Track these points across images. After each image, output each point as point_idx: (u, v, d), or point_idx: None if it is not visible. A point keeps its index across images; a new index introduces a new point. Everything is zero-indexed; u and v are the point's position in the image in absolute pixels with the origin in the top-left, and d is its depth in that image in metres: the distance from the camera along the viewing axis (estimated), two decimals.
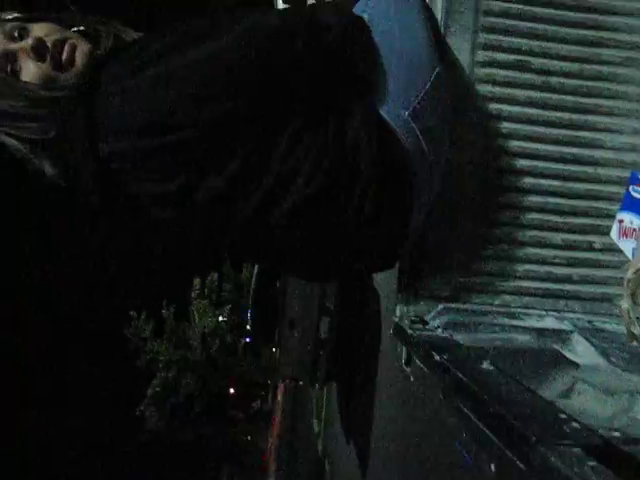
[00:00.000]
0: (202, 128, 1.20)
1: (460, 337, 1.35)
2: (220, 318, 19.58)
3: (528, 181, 1.53)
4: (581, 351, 1.36)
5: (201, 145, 1.21)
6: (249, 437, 24.84)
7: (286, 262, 1.44)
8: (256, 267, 11.56)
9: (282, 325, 9.96)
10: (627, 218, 1.34)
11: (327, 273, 1.48)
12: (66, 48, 1.30)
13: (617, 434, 0.89)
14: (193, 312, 19.44)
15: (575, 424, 0.78)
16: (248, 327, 12.64)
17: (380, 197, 1.30)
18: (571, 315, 1.50)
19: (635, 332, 0.95)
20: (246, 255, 1.59)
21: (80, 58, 1.30)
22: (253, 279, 11.75)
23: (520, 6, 1.55)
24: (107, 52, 1.33)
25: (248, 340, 13.47)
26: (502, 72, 1.54)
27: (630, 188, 1.33)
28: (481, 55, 1.54)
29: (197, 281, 19.69)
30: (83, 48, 1.32)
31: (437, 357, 1.08)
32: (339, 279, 1.92)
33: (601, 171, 1.56)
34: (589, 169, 1.56)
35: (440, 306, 1.45)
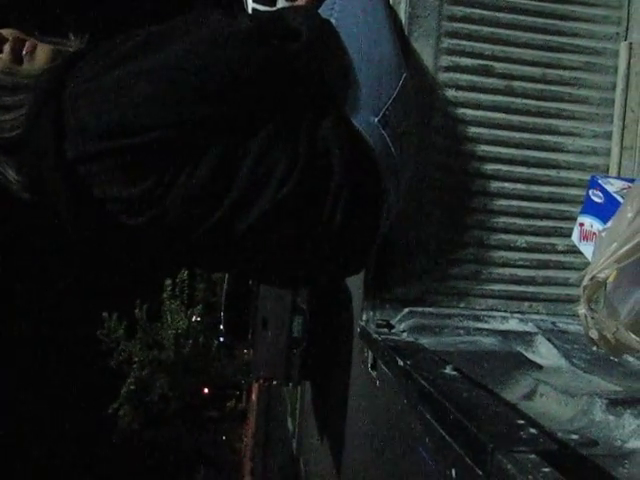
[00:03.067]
0: (170, 131, 1.19)
1: (425, 341, 1.36)
2: (193, 318, 19.49)
3: (492, 184, 1.54)
4: (544, 353, 1.38)
5: (169, 148, 1.21)
6: (224, 437, 24.77)
7: (256, 269, 1.44)
8: None
9: (255, 325, 9.95)
10: (587, 222, 1.35)
11: (297, 279, 1.49)
12: (27, 44, 1.31)
13: (575, 437, 0.90)
14: (165, 313, 19.33)
15: (532, 430, 0.79)
16: (221, 327, 12.59)
17: (351, 202, 1.31)
18: (535, 317, 1.52)
19: (593, 337, 0.97)
20: (215, 263, 1.57)
21: (41, 54, 1.30)
22: (226, 278, 11.71)
23: (483, 11, 1.57)
24: (73, 54, 1.32)
25: (222, 340, 13.41)
26: (465, 77, 1.56)
27: (590, 192, 1.35)
28: (445, 60, 1.56)
29: (168, 282, 19.55)
30: (44, 47, 1.32)
31: (401, 362, 1.09)
32: (309, 285, 1.92)
33: (563, 174, 1.59)
34: (552, 172, 1.58)
35: (405, 310, 1.46)
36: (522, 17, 1.57)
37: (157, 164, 1.21)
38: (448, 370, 1.06)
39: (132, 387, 19.13)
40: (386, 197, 1.36)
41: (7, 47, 1.30)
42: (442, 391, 0.95)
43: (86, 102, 1.18)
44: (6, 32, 1.33)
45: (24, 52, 1.29)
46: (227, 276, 11.67)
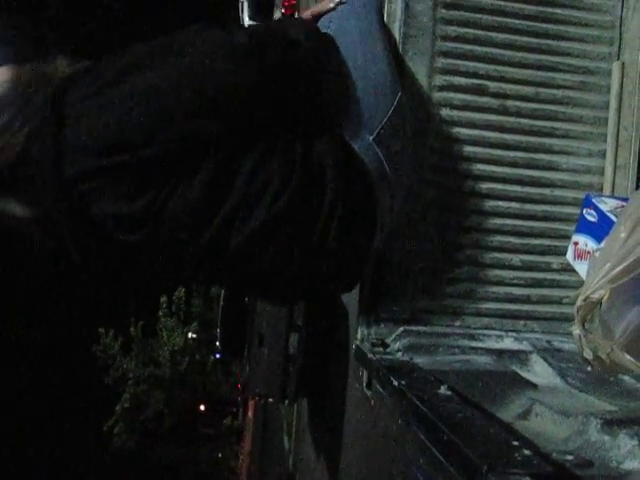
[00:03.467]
0: (166, 147, 1.19)
1: (420, 360, 1.36)
2: (189, 335, 19.43)
3: (487, 203, 1.55)
4: (539, 372, 1.38)
5: (165, 164, 1.21)
6: (220, 454, 24.63)
7: (250, 284, 1.44)
8: None
9: (251, 341, 9.92)
10: (582, 240, 1.36)
11: (291, 295, 1.48)
12: None
13: (570, 457, 0.90)
14: (161, 329, 19.29)
15: (527, 451, 0.79)
16: (217, 343, 12.54)
17: (344, 219, 1.31)
18: (530, 335, 1.52)
19: (587, 357, 0.97)
20: (210, 278, 1.57)
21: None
22: (222, 295, 11.69)
23: (476, 31, 1.58)
24: (69, 75, 1.31)
25: (218, 356, 13.36)
26: (460, 96, 1.57)
27: (584, 211, 1.35)
28: (439, 79, 1.57)
29: (164, 299, 19.52)
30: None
31: (395, 382, 1.08)
32: (303, 300, 1.91)
33: (558, 193, 1.59)
34: (546, 191, 1.58)
35: (400, 329, 1.46)
36: (515, 37, 1.59)
37: (154, 180, 1.21)
38: (442, 390, 1.06)
39: (127, 404, 19.05)
40: (380, 215, 1.36)
41: None
42: (436, 411, 0.95)
43: (84, 121, 1.18)
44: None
45: None
46: (223, 292, 11.65)
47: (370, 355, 1.34)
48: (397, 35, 1.56)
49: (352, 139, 1.36)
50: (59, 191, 1.22)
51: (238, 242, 1.27)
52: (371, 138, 1.37)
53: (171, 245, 1.31)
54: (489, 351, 1.41)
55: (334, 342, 8.55)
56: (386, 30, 1.54)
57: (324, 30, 1.50)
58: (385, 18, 1.57)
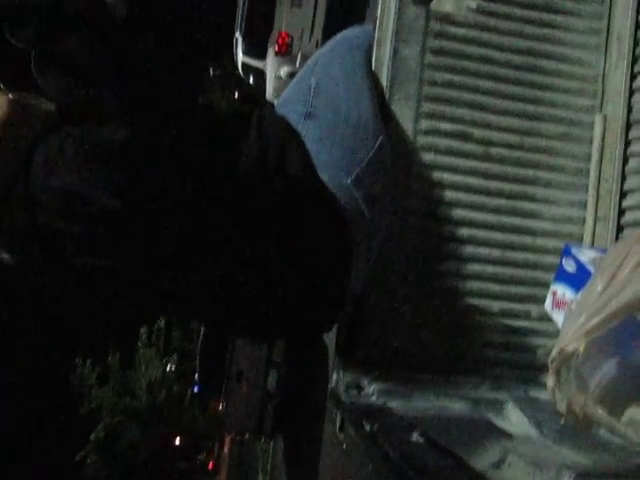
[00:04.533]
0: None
1: (394, 404, 1.34)
2: (168, 367, 19.23)
3: (468, 249, 1.55)
4: (515, 421, 1.36)
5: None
6: None
7: (223, 322, 1.43)
8: None
9: (230, 377, 9.84)
10: (560, 290, 1.36)
11: (264, 334, 1.47)
12: None
13: None
14: (139, 360, 19.07)
15: None
16: (196, 377, 12.41)
17: (319, 261, 1.30)
18: (506, 383, 1.51)
19: (561, 410, 0.96)
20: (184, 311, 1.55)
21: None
22: (202, 328, 11.62)
23: (463, 78, 1.60)
24: (39, 128, 1.30)
25: (196, 390, 13.20)
26: (444, 141, 1.58)
27: (563, 261, 1.35)
28: (424, 124, 1.58)
29: (144, 329, 19.35)
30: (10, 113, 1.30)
31: (367, 427, 1.07)
32: (279, 339, 1.90)
33: (539, 241, 1.60)
34: (527, 239, 1.59)
35: (376, 372, 1.45)
36: (502, 85, 1.61)
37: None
38: (415, 437, 1.04)
39: (101, 434, 18.75)
40: (356, 257, 1.36)
41: None
42: (408, 459, 0.94)
43: (45, 174, 1.17)
44: None
45: None
46: (202, 328, 11.57)
47: (344, 398, 1.32)
48: (384, 79, 1.58)
49: (329, 181, 1.36)
50: (34, 235, 1.22)
51: (208, 280, 1.27)
52: (349, 180, 1.38)
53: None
54: (464, 398, 1.40)
55: (312, 380, 8.49)
56: (372, 74, 1.56)
57: (309, 72, 1.52)
58: (373, 62, 1.59)
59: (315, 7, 11.73)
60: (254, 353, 9.45)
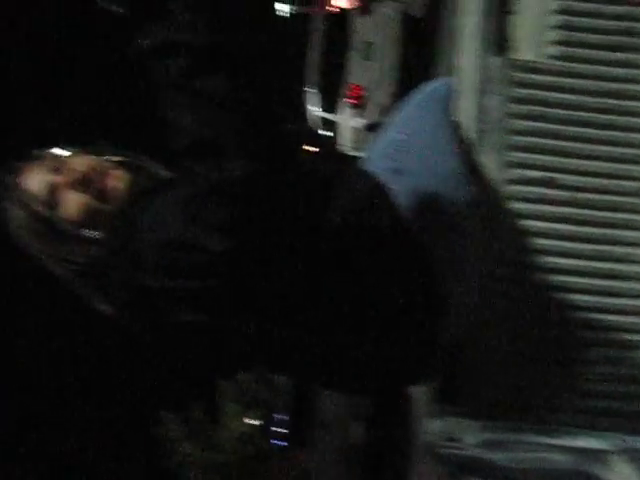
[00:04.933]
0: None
1: (495, 456, 1.32)
2: (252, 421, 19.29)
3: (561, 297, 1.53)
4: (623, 474, 1.32)
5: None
6: None
7: (318, 376, 1.45)
8: None
9: (315, 430, 9.76)
10: None
11: (356, 385, 1.48)
12: (107, 179, 1.35)
13: None
14: (225, 413, 19.23)
15: None
16: (281, 430, 12.37)
17: (411, 314, 1.33)
18: (614, 434, 1.46)
19: None
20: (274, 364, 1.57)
21: (120, 189, 1.35)
22: (289, 383, 11.62)
23: (548, 125, 1.60)
24: (149, 189, 1.36)
25: (280, 443, 13.16)
26: (533, 189, 1.58)
27: None
28: (512, 173, 1.58)
29: (229, 383, 19.54)
30: (123, 178, 1.36)
31: None
32: (369, 394, 1.89)
33: (636, 285, 1.56)
34: (623, 284, 1.56)
35: (473, 424, 1.43)
36: (588, 129, 1.60)
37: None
38: None
39: None
40: (449, 309, 1.37)
41: (90, 183, 1.34)
42: None
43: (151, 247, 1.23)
44: (83, 162, 1.38)
45: (105, 189, 1.34)
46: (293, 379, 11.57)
47: (443, 450, 1.31)
48: (469, 130, 1.59)
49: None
50: (136, 298, 1.28)
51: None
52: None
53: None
54: (567, 449, 1.37)
55: (400, 434, 8.33)
56: (456, 125, 1.58)
57: (397, 130, 1.56)
58: (456, 113, 1.61)
59: (386, 59, 11.92)
60: (340, 406, 9.37)
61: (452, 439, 1.40)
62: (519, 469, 1.24)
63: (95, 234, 1.32)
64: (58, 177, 1.35)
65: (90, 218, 1.33)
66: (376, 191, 1.39)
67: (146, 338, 1.46)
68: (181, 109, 1.11)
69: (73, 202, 1.33)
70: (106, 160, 1.40)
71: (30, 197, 1.33)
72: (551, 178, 1.58)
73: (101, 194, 1.34)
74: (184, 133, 1.12)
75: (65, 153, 1.40)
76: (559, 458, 1.34)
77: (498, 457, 1.31)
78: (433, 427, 1.45)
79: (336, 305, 1.31)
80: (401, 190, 1.40)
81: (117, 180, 1.36)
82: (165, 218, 1.21)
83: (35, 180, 1.35)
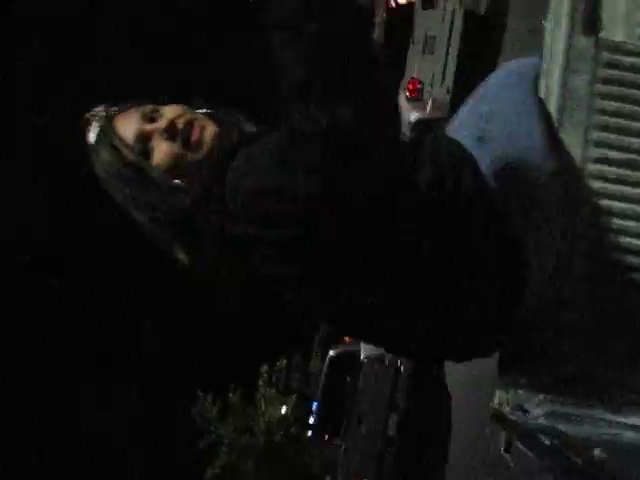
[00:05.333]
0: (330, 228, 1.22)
1: (562, 428, 1.32)
2: (284, 409, 19.40)
3: (637, 277, 1.52)
4: None
5: (318, 250, 1.25)
6: None
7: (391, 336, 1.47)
8: (327, 360, 11.52)
9: (350, 420, 9.81)
10: None
11: (433, 348, 1.50)
12: (195, 129, 1.39)
13: None
14: (259, 399, 19.35)
15: None
16: (312, 420, 12.44)
17: (491, 282, 1.34)
18: None
19: None
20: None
21: (208, 139, 1.39)
22: (323, 371, 11.70)
23: (634, 107, 1.59)
24: (236, 141, 1.40)
25: (311, 433, 13.23)
26: (614, 169, 1.56)
27: None
28: (594, 152, 1.57)
29: (264, 368, 19.69)
30: (211, 130, 1.40)
31: (547, 441, 1.07)
32: (443, 359, 1.88)
33: None
34: None
35: (541, 396, 1.43)
36: None
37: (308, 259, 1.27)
38: (597, 453, 1.03)
39: (216, 471, 19.03)
40: (530, 277, 1.38)
41: (179, 132, 1.38)
42: (596, 471, 0.93)
43: (239, 195, 1.26)
44: (174, 112, 1.42)
45: (193, 138, 1.38)
46: (325, 369, 11.65)
47: (513, 417, 1.32)
48: (552, 108, 1.59)
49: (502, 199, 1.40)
50: (222, 246, 1.31)
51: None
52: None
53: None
54: (638, 428, 1.36)
55: (434, 425, 8.33)
56: (541, 102, 1.58)
57: (479, 101, 1.57)
58: (541, 91, 1.61)
59: (447, 54, 11.85)
60: (375, 396, 9.41)
61: (518, 409, 1.41)
62: (588, 440, 1.24)
63: (182, 182, 1.35)
64: (150, 126, 1.40)
65: (179, 166, 1.37)
66: (460, 156, 1.40)
67: (224, 288, 1.50)
68: (294, 52, 1.14)
69: (163, 151, 1.38)
70: (197, 112, 1.45)
71: (123, 143, 1.38)
72: (633, 160, 1.57)
73: (190, 144, 1.38)
74: (294, 74, 1.14)
75: (158, 104, 1.45)
76: (630, 435, 1.33)
77: (566, 428, 1.31)
78: (500, 397, 1.46)
79: (415, 267, 1.33)
80: (484, 157, 1.42)
81: (206, 131, 1.39)
82: (254, 165, 1.24)
83: (129, 128, 1.40)
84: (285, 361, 19.80)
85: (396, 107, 1.30)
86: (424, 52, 11.29)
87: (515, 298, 1.39)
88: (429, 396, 9.29)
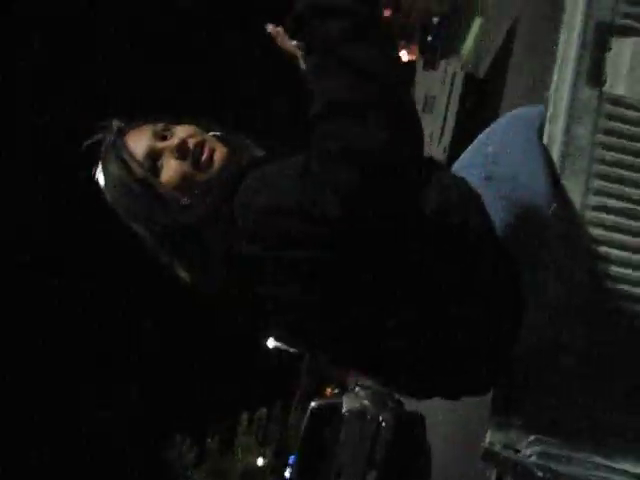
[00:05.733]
0: (339, 251, 1.23)
1: (554, 466, 1.32)
2: (260, 460, 19.12)
3: (634, 324, 1.53)
4: None
5: (332, 270, 1.26)
6: None
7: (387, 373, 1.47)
8: (308, 411, 11.42)
9: (328, 474, 9.65)
10: None
11: (426, 385, 1.49)
12: (205, 150, 1.41)
13: None
14: (237, 447, 19.06)
15: None
16: (287, 474, 12.23)
17: (489, 320, 1.35)
18: None
19: None
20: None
21: (218, 160, 1.41)
22: (304, 423, 11.57)
23: (634, 159, 1.62)
24: (246, 163, 1.42)
25: None
26: (612, 217, 1.59)
27: None
28: (593, 200, 1.60)
29: (245, 416, 19.46)
30: (221, 151, 1.42)
31: (540, 473, 1.07)
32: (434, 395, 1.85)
33: None
34: None
35: (532, 437, 1.43)
36: None
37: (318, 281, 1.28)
38: None
39: None
40: (526, 314, 1.39)
41: (189, 151, 1.40)
42: None
43: (252, 212, 1.27)
44: (185, 131, 1.45)
45: (203, 158, 1.40)
46: (305, 421, 11.53)
47: (505, 454, 1.31)
48: (555, 154, 1.62)
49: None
50: (226, 265, 1.32)
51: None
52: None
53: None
54: (628, 474, 1.36)
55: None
56: (545, 149, 1.61)
57: (484, 144, 1.60)
58: (544, 138, 1.65)
59: (446, 114, 12.04)
60: (355, 450, 9.29)
61: (511, 448, 1.40)
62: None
63: (190, 201, 1.37)
64: (162, 144, 1.42)
65: (187, 185, 1.38)
66: (467, 193, 1.43)
67: (225, 309, 1.50)
68: (327, 73, 1.15)
69: (173, 169, 1.39)
70: (208, 133, 1.47)
71: (133, 159, 1.40)
72: (631, 210, 1.60)
73: (200, 164, 1.40)
74: (325, 95, 1.16)
75: (171, 123, 1.47)
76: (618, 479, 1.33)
77: (557, 468, 1.31)
78: (490, 436, 1.45)
79: (419, 300, 1.33)
80: (491, 196, 1.44)
81: (216, 152, 1.42)
82: (268, 184, 1.26)
83: (140, 144, 1.42)
84: (265, 411, 19.57)
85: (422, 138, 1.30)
86: (423, 111, 11.49)
87: (512, 335, 1.40)
88: (408, 455, 9.19)
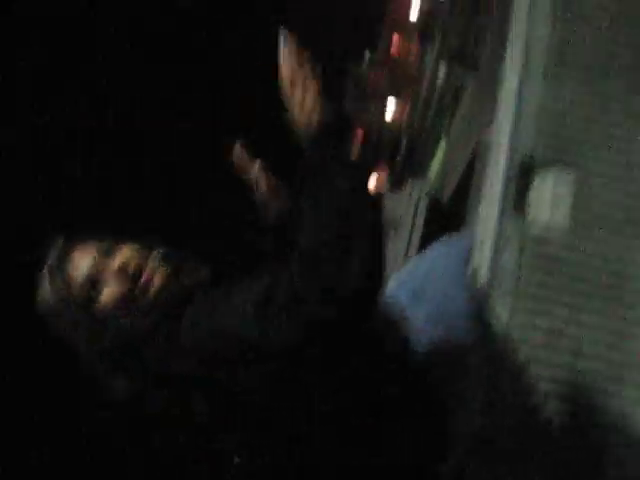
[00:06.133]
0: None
1: None
2: None
3: (566, 438, 1.58)
4: None
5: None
6: None
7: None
8: None
9: None
10: None
11: None
12: (145, 273, 1.46)
13: None
14: None
15: None
16: None
17: (416, 438, 1.38)
18: None
19: None
20: None
21: (157, 282, 1.45)
22: None
23: (558, 279, 1.73)
24: (189, 284, 1.47)
25: None
26: (539, 336, 1.68)
27: None
28: (520, 319, 1.69)
29: None
30: (161, 273, 1.47)
31: None
32: None
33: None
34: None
35: None
36: (594, 288, 1.72)
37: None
38: None
39: None
40: (452, 434, 1.42)
41: (129, 274, 1.45)
42: None
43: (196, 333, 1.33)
44: (128, 252, 1.49)
45: (142, 280, 1.41)
46: None
47: None
48: (483, 278, 1.72)
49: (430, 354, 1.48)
50: (163, 384, 1.37)
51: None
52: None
53: None
54: None
55: None
56: (471, 273, 1.71)
57: (408, 274, 1.70)
58: (472, 264, 1.74)
59: (410, 236, 12.21)
60: None
61: None
62: None
63: (129, 320, 1.41)
64: (103, 264, 1.47)
65: (126, 306, 1.42)
66: (393, 319, 1.49)
67: (163, 422, 1.51)
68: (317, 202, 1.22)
69: (112, 290, 1.44)
70: (150, 254, 1.51)
71: (73, 279, 1.44)
72: (558, 328, 1.69)
73: (139, 286, 1.44)
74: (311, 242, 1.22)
75: (113, 243, 1.52)
76: None
77: None
78: None
79: (348, 423, 1.36)
80: (419, 314, 1.51)
81: (157, 275, 1.46)
82: (218, 309, 1.31)
83: (81, 264, 1.46)
84: None
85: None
86: (389, 228, 11.66)
87: (441, 457, 1.42)
88: None
